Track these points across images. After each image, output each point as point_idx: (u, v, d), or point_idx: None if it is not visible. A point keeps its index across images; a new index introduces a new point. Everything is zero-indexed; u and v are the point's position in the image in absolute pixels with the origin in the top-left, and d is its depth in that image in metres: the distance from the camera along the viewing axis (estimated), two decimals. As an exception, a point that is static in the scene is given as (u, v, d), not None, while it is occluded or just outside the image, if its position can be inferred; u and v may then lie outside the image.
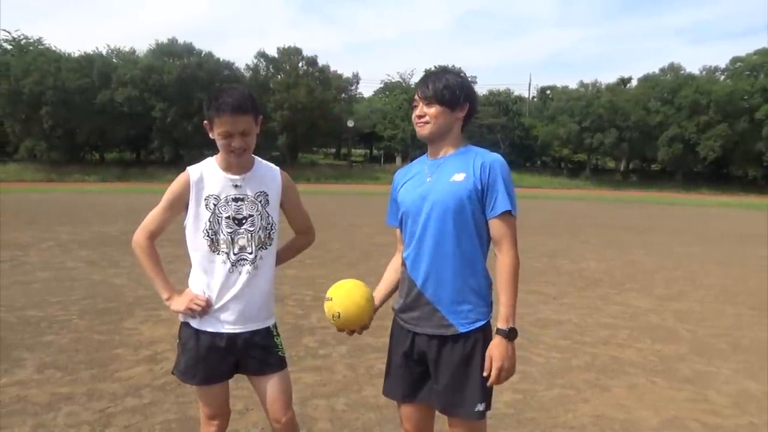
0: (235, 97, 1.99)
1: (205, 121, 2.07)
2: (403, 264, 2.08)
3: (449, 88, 1.96)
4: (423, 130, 2.01)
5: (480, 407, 1.93)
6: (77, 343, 4.43)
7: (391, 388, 2.13)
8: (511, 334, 1.89)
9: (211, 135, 2.08)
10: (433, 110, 1.98)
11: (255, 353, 2.14)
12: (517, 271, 1.93)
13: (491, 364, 1.88)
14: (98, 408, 3.29)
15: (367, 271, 7.69)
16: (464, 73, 2.04)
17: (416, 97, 2.02)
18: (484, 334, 1.95)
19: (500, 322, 1.91)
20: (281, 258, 2.33)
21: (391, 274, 2.21)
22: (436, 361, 1.98)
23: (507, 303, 1.90)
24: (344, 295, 2.03)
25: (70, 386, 3.59)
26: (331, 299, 2.03)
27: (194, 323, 2.13)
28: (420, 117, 2.00)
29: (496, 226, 1.93)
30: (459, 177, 1.94)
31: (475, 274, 1.96)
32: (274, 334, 2.21)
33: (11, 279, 6.58)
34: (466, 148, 2.03)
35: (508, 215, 1.92)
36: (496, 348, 1.89)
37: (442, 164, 2.01)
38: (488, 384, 1.90)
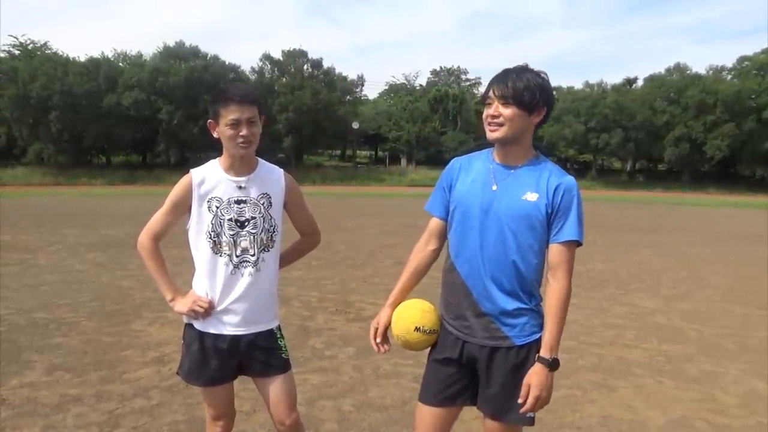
0: (241, 88, 2.06)
1: (210, 120, 2.08)
2: (454, 269, 1.97)
3: (530, 89, 1.80)
4: (496, 134, 1.85)
5: (531, 413, 1.88)
6: (86, 344, 4.46)
7: (428, 394, 2.03)
8: (553, 365, 1.82)
9: (215, 134, 2.09)
10: (509, 112, 1.81)
11: (258, 355, 2.15)
12: (568, 300, 1.86)
13: (528, 391, 1.80)
14: (107, 409, 3.32)
15: (374, 272, 7.71)
16: (545, 74, 1.88)
17: (491, 94, 1.85)
18: (539, 344, 1.89)
19: (543, 350, 1.83)
20: (286, 260, 2.33)
21: (419, 266, 2.09)
22: (488, 367, 1.91)
23: (553, 331, 1.83)
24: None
25: (79, 388, 3.62)
26: (436, 333, 2.01)
27: (197, 325, 2.14)
28: (494, 117, 1.84)
29: (556, 252, 1.85)
30: (532, 197, 1.84)
31: (532, 290, 1.91)
32: (278, 336, 2.21)
33: (20, 282, 6.64)
34: (537, 160, 1.91)
35: (573, 244, 1.85)
36: (536, 376, 1.81)
37: (513, 176, 1.89)
38: (521, 411, 1.82)
